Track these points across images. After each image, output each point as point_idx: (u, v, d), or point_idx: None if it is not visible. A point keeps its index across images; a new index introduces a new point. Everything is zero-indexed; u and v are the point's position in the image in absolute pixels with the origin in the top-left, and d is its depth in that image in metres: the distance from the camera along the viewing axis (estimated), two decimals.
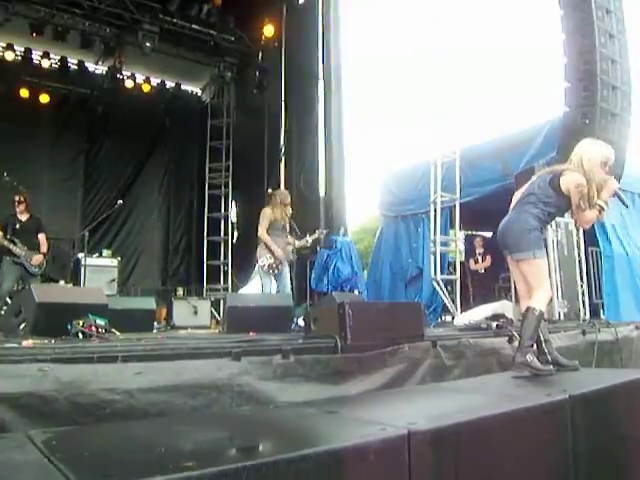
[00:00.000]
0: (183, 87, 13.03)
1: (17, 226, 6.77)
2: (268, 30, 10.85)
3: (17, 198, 6.93)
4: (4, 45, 10.42)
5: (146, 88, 11.98)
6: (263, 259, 6.40)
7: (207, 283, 11.88)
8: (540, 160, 6.99)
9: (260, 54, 11.28)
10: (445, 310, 8.87)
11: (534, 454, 2.34)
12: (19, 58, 10.70)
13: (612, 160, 3.80)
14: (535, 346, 3.62)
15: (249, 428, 2.21)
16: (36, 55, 10.83)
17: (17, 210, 6.88)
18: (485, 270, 9.67)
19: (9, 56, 10.41)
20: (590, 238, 7.74)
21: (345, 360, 3.68)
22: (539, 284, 3.66)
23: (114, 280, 9.20)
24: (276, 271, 6.42)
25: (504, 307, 5.66)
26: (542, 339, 3.66)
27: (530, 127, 8.50)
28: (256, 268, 10.92)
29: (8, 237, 6.62)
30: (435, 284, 8.50)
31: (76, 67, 11.38)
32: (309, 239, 6.90)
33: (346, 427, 2.16)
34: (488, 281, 9.50)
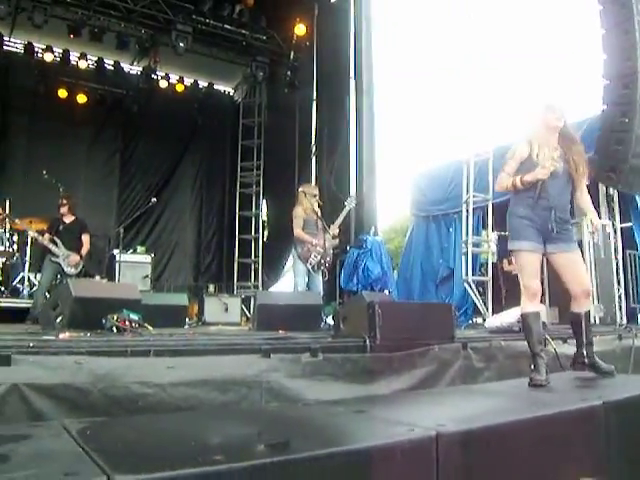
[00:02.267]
0: (216, 87, 13.10)
1: (61, 228, 6.94)
2: (299, 29, 10.87)
3: (60, 200, 7.09)
4: (43, 47, 10.67)
5: (179, 88, 12.11)
6: (311, 259, 6.21)
7: (238, 280, 11.96)
8: None
9: (292, 53, 11.29)
10: (476, 312, 8.75)
11: (567, 460, 2.30)
12: (58, 59, 10.92)
13: (556, 103, 3.50)
14: (576, 349, 3.51)
15: (278, 425, 2.23)
16: (74, 56, 11.03)
17: (61, 211, 7.04)
18: None
19: (48, 57, 10.65)
20: (628, 241, 7.57)
21: (374, 360, 3.67)
22: (522, 283, 3.41)
23: (147, 276, 9.32)
24: (327, 264, 6.25)
25: None
26: (583, 342, 3.47)
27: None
28: (286, 267, 11.02)
29: (51, 237, 6.80)
30: (466, 285, 8.41)
31: (112, 68, 11.56)
32: (340, 217, 6.51)
33: (374, 427, 2.17)
34: None
